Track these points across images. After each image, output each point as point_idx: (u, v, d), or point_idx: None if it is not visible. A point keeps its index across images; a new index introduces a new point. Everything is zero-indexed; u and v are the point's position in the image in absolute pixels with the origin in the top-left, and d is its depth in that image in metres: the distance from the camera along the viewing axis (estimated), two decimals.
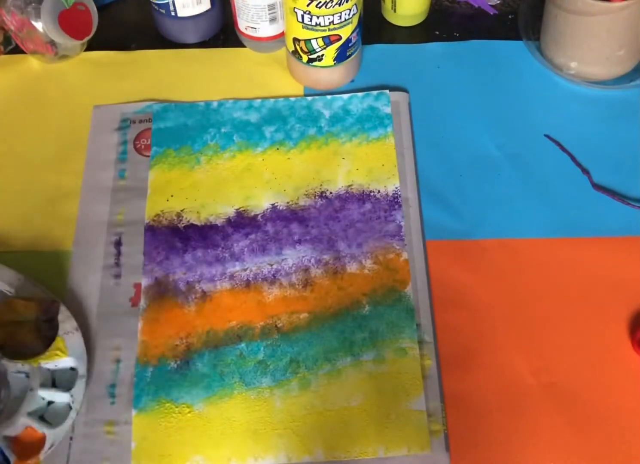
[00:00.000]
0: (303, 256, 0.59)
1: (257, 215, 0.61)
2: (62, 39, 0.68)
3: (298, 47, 0.66)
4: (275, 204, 0.61)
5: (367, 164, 0.63)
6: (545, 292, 0.58)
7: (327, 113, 0.66)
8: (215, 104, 0.67)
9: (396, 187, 0.62)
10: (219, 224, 0.60)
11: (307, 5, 0.62)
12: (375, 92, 0.67)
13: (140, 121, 0.66)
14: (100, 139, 0.65)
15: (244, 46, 0.73)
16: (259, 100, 0.67)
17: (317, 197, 0.62)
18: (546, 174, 0.64)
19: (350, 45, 0.66)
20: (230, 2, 0.70)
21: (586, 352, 0.56)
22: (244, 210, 0.61)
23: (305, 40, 0.65)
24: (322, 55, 0.66)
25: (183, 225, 0.60)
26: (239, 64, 0.72)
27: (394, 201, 0.61)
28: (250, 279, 0.58)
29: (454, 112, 0.68)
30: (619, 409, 0.54)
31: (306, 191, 0.62)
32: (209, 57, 0.72)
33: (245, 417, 0.53)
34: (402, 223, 0.60)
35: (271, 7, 0.68)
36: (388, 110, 0.66)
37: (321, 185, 0.62)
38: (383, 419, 0.52)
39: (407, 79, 0.70)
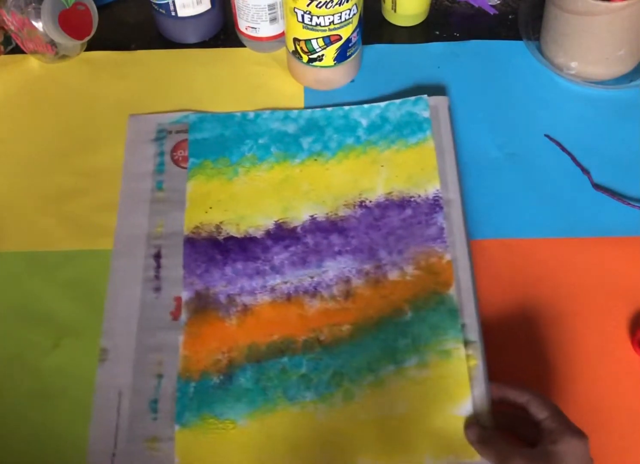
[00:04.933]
0: (344, 267, 0.58)
1: (297, 227, 0.60)
2: (62, 39, 0.68)
3: (298, 47, 0.66)
4: (315, 216, 0.60)
5: (406, 169, 0.62)
6: (544, 292, 0.58)
7: (364, 122, 0.65)
8: (251, 115, 0.66)
9: (437, 190, 0.60)
10: (258, 237, 0.59)
11: (308, 5, 0.62)
12: (413, 98, 0.66)
13: (177, 132, 0.65)
14: (137, 150, 0.64)
15: (244, 46, 0.73)
16: (295, 111, 0.66)
17: (356, 206, 0.61)
18: (546, 174, 0.64)
19: (350, 45, 0.66)
20: (231, 2, 0.70)
21: (586, 352, 0.56)
22: (283, 222, 0.60)
23: (305, 40, 0.65)
24: (323, 55, 0.66)
25: (222, 237, 0.59)
26: (239, 64, 0.72)
27: (435, 204, 0.60)
28: (291, 292, 0.57)
29: (454, 112, 0.68)
30: (619, 409, 0.54)
31: (345, 201, 0.61)
32: (209, 57, 0.72)
33: (289, 432, 0.51)
34: (444, 225, 0.59)
35: (271, 7, 0.68)
36: (426, 114, 0.64)
37: (360, 194, 0.61)
38: (428, 427, 0.51)
39: (407, 79, 0.70)
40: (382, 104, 0.66)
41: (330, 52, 0.66)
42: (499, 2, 0.76)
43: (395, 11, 0.73)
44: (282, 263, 0.58)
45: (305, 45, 0.65)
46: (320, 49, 0.65)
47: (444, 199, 0.60)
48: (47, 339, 0.56)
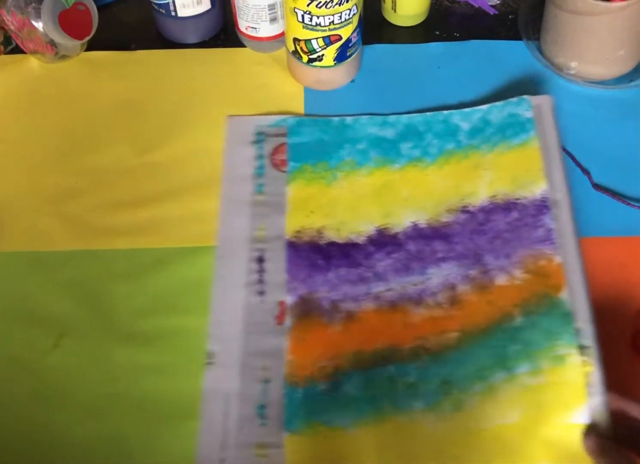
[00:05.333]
0: (448, 274, 0.57)
1: (398, 233, 0.59)
2: (62, 39, 0.68)
3: (298, 47, 0.66)
4: (416, 222, 0.59)
5: (510, 172, 0.60)
6: None
7: (465, 126, 0.64)
8: (349, 120, 0.65)
9: (543, 191, 0.58)
10: (360, 242, 0.59)
11: (308, 6, 0.62)
12: (515, 99, 0.64)
13: (275, 135, 0.65)
14: (236, 152, 0.64)
15: (244, 46, 0.73)
16: (393, 116, 0.65)
17: (459, 212, 0.59)
18: None
19: (350, 45, 0.66)
20: (231, 2, 0.70)
21: None
22: (384, 228, 0.59)
23: (305, 40, 0.65)
24: (323, 55, 0.66)
25: (324, 242, 0.59)
26: (239, 64, 0.72)
27: (542, 205, 0.58)
28: (395, 299, 0.56)
29: None
30: None
31: (447, 207, 0.60)
32: (209, 57, 0.72)
33: (399, 441, 0.50)
34: (553, 226, 0.57)
35: (271, 7, 0.68)
36: (529, 114, 0.62)
37: (462, 199, 0.60)
38: (544, 435, 0.49)
39: (407, 79, 0.70)
40: (484, 107, 0.64)
41: (330, 52, 0.66)
42: (499, 2, 0.76)
43: (395, 11, 0.73)
44: (385, 270, 0.57)
45: (305, 45, 0.65)
46: (320, 49, 0.65)
47: (552, 199, 0.58)
48: (47, 339, 0.56)
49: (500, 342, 0.53)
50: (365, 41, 0.71)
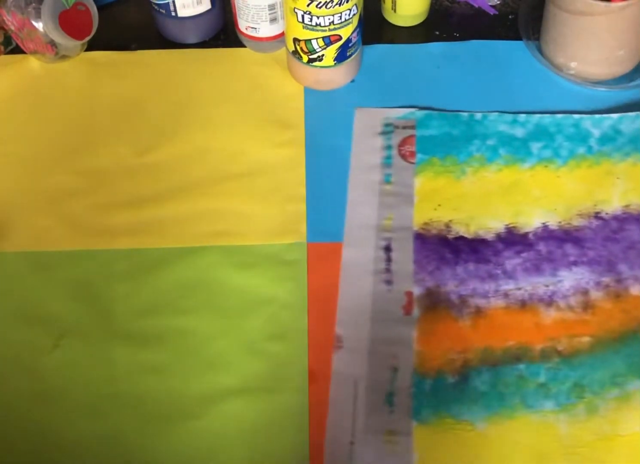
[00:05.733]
0: (580, 278, 0.57)
1: (528, 233, 0.59)
2: (62, 39, 0.68)
3: (298, 47, 0.66)
4: (547, 223, 0.60)
5: None
6: None
7: (596, 132, 0.64)
8: (479, 116, 0.66)
9: None
10: (489, 239, 0.59)
11: (308, 6, 0.62)
12: None
13: (403, 127, 0.65)
14: (363, 142, 0.65)
15: (244, 46, 0.73)
16: (523, 115, 0.66)
17: (591, 217, 0.60)
18: None
19: (350, 45, 0.66)
20: (231, 2, 0.70)
21: None
22: (513, 226, 0.60)
23: (305, 41, 0.65)
24: (323, 55, 0.66)
25: (452, 236, 0.59)
26: (239, 64, 0.72)
27: None
28: (525, 299, 0.56)
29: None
30: None
31: (579, 211, 0.60)
32: (209, 57, 0.72)
33: (530, 440, 0.51)
34: None
35: (271, 7, 0.68)
36: None
37: (595, 205, 0.60)
38: None
39: (407, 79, 0.70)
40: (615, 115, 0.65)
41: (330, 52, 0.66)
42: (499, 2, 0.76)
43: (395, 11, 0.73)
44: (514, 268, 0.58)
45: (305, 46, 0.65)
46: (320, 49, 0.65)
47: None
48: (47, 339, 0.56)
49: (636, 351, 0.53)
50: (365, 41, 0.71)
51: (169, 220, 0.62)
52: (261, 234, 0.61)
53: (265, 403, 0.54)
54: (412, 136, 0.65)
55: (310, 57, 0.66)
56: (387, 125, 0.66)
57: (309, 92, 0.69)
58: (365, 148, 0.64)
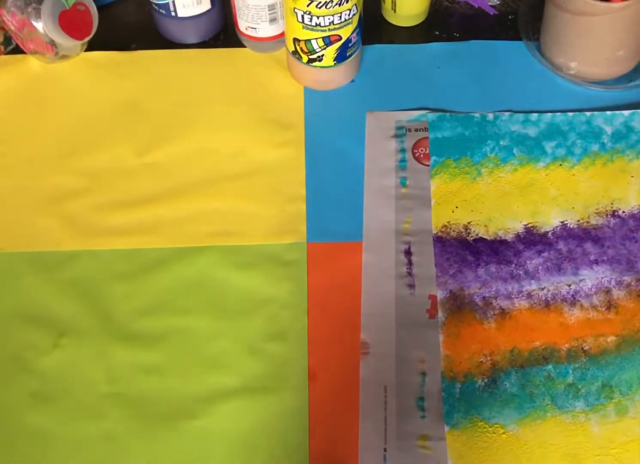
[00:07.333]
0: (602, 277, 0.57)
1: (547, 232, 0.60)
2: (62, 39, 0.68)
3: (298, 48, 0.66)
4: (565, 222, 0.60)
5: None
6: None
7: (608, 129, 0.64)
8: (491, 116, 0.66)
9: None
10: (508, 240, 0.59)
11: (307, 6, 0.62)
12: None
13: (416, 130, 0.65)
14: (377, 145, 0.65)
15: (244, 46, 0.73)
16: (535, 114, 0.66)
17: (608, 215, 0.60)
18: None
19: (350, 45, 0.66)
20: (231, 2, 0.70)
21: None
22: (532, 226, 0.60)
23: (305, 41, 0.65)
24: (322, 55, 0.66)
25: (472, 238, 0.59)
26: (239, 64, 0.72)
27: None
28: (549, 299, 0.57)
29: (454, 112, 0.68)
30: None
31: (596, 209, 0.60)
32: (209, 57, 0.72)
33: (562, 441, 0.51)
34: None
35: (271, 7, 0.68)
36: None
37: (612, 203, 0.61)
38: None
39: (407, 79, 0.70)
40: (626, 112, 0.65)
41: (330, 52, 0.66)
42: (498, 2, 0.76)
43: (395, 11, 0.73)
44: (536, 268, 0.58)
45: (305, 46, 0.65)
46: (320, 49, 0.65)
47: None
48: (47, 339, 0.56)
49: None
50: (365, 41, 0.71)
51: (168, 220, 0.62)
52: (261, 234, 0.61)
53: (265, 402, 0.54)
54: (425, 138, 0.65)
55: (310, 57, 0.66)
56: (399, 128, 0.66)
57: (308, 92, 0.69)
58: (379, 152, 0.64)
